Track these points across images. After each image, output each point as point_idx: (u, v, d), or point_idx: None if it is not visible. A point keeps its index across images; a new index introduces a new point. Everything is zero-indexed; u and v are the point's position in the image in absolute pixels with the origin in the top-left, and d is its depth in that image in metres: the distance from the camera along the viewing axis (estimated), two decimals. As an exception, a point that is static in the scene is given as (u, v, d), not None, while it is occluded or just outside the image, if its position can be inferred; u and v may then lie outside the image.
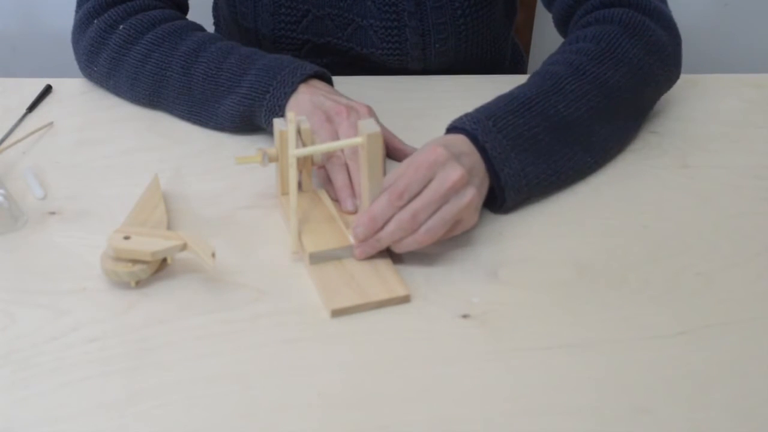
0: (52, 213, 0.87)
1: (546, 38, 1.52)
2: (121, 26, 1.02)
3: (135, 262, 0.76)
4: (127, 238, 0.77)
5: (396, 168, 0.80)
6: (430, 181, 0.77)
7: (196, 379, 0.69)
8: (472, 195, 0.79)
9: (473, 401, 0.67)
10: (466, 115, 0.86)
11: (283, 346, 0.72)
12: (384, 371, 0.70)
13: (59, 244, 0.83)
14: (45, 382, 0.68)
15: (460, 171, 0.78)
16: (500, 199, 0.85)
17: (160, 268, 0.78)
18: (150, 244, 0.76)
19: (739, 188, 0.91)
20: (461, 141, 0.82)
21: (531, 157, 0.85)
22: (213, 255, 0.75)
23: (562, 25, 1.05)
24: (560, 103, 0.88)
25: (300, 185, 0.87)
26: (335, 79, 0.98)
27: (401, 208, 0.77)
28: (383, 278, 0.77)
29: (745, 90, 1.08)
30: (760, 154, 0.96)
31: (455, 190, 0.77)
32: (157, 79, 0.99)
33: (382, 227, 0.77)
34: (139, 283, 0.77)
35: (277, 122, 0.83)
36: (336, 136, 0.87)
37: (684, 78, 1.08)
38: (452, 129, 0.85)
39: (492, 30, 1.14)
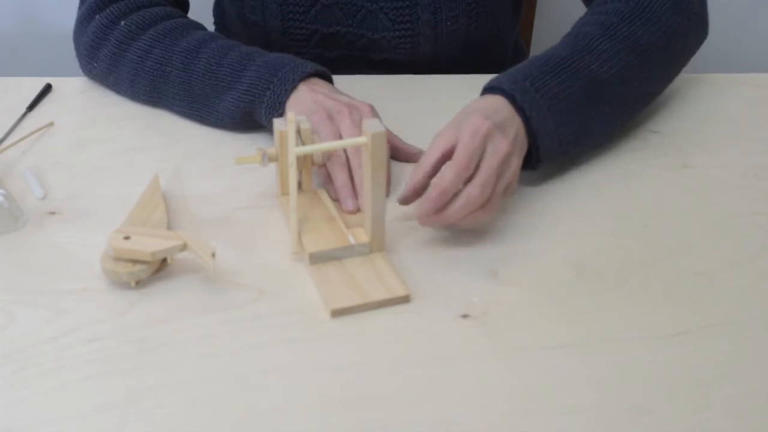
0: (52, 213, 0.87)
1: (546, 39, 1.51)
2: (122, 22, 1.02)
3: (135, 262, 0.76)
4: (127, 238, 0.77)
5: (435, 141, 0.81)
6: (483, 152, 0.79)
7: (196, 379, 0.69)
8: (517, 164, 0.82)
9: (473, 401, 0.67)
10: (503, 76, 0.88)
11: (283, 346, 0.72)
12: (384, 371, 0.70)
13: (59, 244, 0.83)
14: (45, 382, 0.68)
15: (507, 143, 0.80)
16: (535, 158, 0.87)
17: (160, 268, 0.78)
18: (150, 244, 0.76)
19: (739, 188, 0.91)
20: (501, 104, 0.84)
21: (564, 117, 0.87)
22: (213, 255, 0.75)
23: None
24: (593, 63, 0.90)
25: (300, 185, 0.87)
26: (338, 78, 0.98)
27: (467, 180, 0.78)
28: (383, 278, 0.77)
29: (745, 89, 1.08)
30: (761, 154, 0.96)
31: (506, 161, 0.80)
32: (157, 75, 0.99)
33: (450, 202, 0.78)
34: (139, 283, 0.77)
35: (276, 122, 0.83)
36: (337, 135, 0.87)
37: (684, 77, 1.08)
38: (489, 89, 0.87)
39: (500, 14, 1.14)
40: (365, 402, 0.67)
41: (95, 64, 1.04)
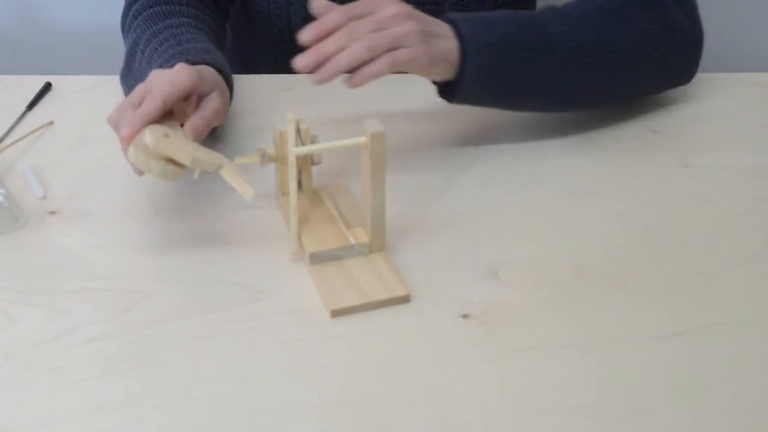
0: (52, 212, 0.87)
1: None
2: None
3: (169, 160, 0.75)
4: (167, 135, 0.75)
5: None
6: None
7: (196, 379, 0.69)
8: (413, 27, 0.83)
9: (473, 401, 0.67)
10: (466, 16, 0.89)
11: (283, 346, 0.72)
12: (384, 371, 0.70)
13: (59, 244, 0.83)
14: (45, 382, 0.68)
15: (401, 5, 0.83)
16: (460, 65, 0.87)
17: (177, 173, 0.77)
18: (191, 148, 0.76)
19: (739, 188, 0.91)
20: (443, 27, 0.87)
21: (501, 54, 0.88)
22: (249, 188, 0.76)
23: None
24: (552, 27, 0.90)
25: (300, 185, 0.87)
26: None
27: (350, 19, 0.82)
28: (383, 278, 0.77)
29: (745, 89, 1.08)
30: (761, 154, 0.96)
31: (397, 17, 0.83)
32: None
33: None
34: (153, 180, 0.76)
35: (276, 123, 0.83)
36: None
37: (684, 77, 1.08)
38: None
39: None
40: (365, 402, 0.67)
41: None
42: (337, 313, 0.74)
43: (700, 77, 1.10)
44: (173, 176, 0.76)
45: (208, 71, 0.87)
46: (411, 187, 0.90)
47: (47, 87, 1.08)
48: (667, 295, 0.77)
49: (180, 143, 0.76)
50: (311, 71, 0.81)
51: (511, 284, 0.78)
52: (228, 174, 0.77)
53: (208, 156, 0.77)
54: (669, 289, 0.78)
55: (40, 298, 0.76)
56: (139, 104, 0.80)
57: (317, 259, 0.79)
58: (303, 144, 0.83)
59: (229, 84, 0.94)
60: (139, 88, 0.82)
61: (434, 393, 0.68)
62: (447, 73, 0.87)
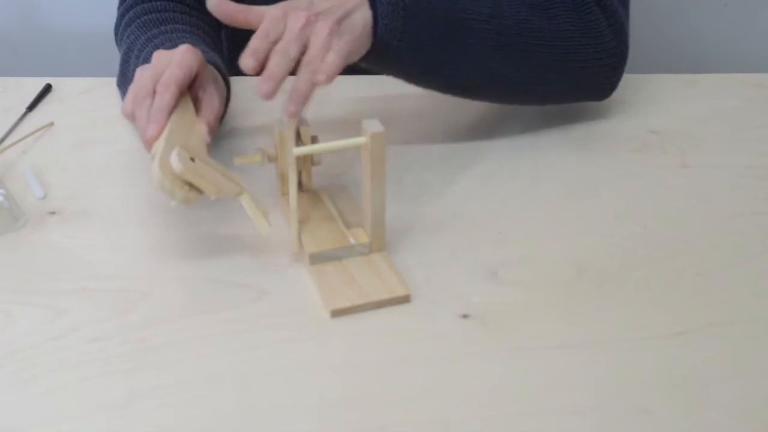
0: (52, 213, 0.87)
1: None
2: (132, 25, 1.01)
3: (191, 187, 0.75)
4: (192, 160, 0.75)
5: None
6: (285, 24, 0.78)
7: (196, 379, 0.69)
8: (324, 26, 0.78)
9: (473, 401, 0.67)
10: None
11: (283, 346, 0.72)
12: (384, 371, 0.70)
13: (59, 244, 0.83)
14: (45, 382, 0.68)
15: (304, 13, 0.78)
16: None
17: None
18: (214, 174, 0.76)
19: (739, 188, 0.91)
20: None
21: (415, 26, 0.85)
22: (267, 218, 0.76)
23: None
24: (481, 15, 0.87)
25: (300, 185, 0.87)
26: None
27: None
28: (383, 278, 0.77)
29: (744, 89, 1.08)
30: (760, 154, 0.96)
31: (307, 27, 0.78)
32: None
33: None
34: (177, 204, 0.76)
35: (276, 123, 0.83)
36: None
37: (684, 78, 1.08)
38: None
39: None
40: (365, 402, 0.67)
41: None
42: (337, 313, 0.74)
43: (700, 77, 1.11)
44: (194, 202, 0.76)
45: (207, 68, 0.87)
46: (411, 187, 0.90)
47: (47, 88, 1.08)
48: (667, 295, 0.77)
49: (205, 169, 0.76)
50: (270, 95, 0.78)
51: (511, 284, 0.78)
52: (246, 203, 0.77)
53: (229, 182, 0.77)
54: (669, 289, 0.78)
55: (40, 298, 0.76)
56: (152, 90, 0.80)
57: (317, 259, 0.79)
58: (303, 144, 0.83)
59: (227, 85, 0.94)
60: (147, 73, 0.81)
61: (434, 393, 0.68)
62: (368, 43, 0.84)
